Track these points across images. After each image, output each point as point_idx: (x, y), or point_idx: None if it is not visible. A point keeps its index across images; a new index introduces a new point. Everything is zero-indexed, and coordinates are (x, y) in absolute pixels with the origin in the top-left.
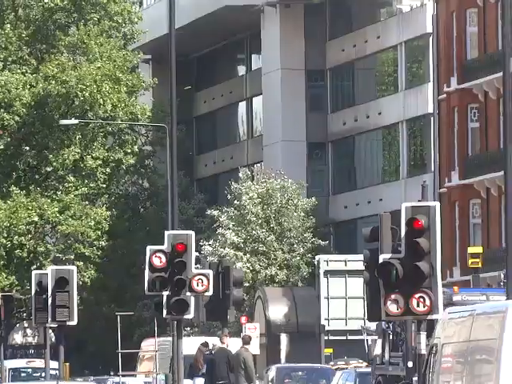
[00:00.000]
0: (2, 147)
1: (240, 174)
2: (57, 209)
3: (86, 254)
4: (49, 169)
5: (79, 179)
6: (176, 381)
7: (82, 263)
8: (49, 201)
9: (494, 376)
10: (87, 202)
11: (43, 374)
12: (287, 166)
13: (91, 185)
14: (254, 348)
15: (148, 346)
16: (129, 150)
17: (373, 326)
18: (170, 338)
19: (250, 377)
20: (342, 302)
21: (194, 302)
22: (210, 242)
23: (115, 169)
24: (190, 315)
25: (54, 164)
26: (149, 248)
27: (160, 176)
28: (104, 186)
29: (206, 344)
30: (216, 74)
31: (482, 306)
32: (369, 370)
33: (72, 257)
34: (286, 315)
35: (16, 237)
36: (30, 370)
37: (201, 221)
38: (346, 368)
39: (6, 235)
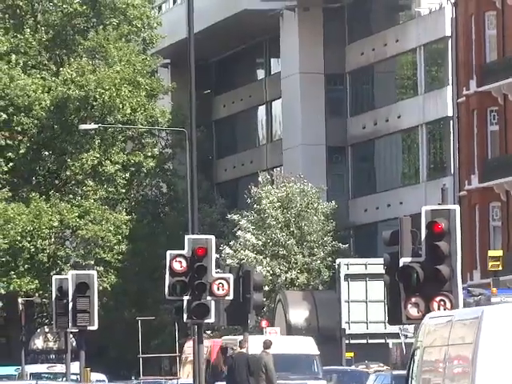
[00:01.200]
0: (22, 151)
1: (260, 178)
2: (77, 214)
3: (107, 258)
4: (68, 173)
5: (98, 184)
6: None
7: (102, 268)
8: (69, 206)
9: (469, 380)
10: (107, 207)
11: (64, 379)
12: (307, 169)
13: (110, 189)
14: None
15: (191, 347)
16: (149, 154)
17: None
18: (230, 336)
19: (271, 381)
20: (363, 305)
21: (215, 306)
22: (231, 243)
23: (135, 173)
24: (210, 319)
25: (73, 169)
26: (169, 253)
27: (180, 178)
28: (123, 190)
29: (226, 348)
30: (235, 78)
31: (461, 311)
32: (404, 372)
33: (92, 262)
34: (307, 319)
35: (40, 241)
36: (50, 375)
37: (223, 225)
38: (382, 371)
39: (29, 239)
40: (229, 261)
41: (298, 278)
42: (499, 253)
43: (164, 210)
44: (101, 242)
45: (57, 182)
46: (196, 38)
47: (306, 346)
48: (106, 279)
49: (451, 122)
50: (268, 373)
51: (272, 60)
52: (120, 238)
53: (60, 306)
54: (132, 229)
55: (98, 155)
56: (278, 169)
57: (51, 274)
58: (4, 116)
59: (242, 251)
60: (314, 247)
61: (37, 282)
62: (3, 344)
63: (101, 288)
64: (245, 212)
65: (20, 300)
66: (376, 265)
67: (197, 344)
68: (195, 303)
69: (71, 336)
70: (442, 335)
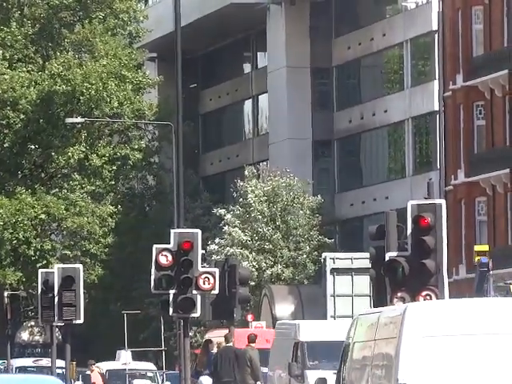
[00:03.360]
0: (6, 145)
1: (246, 172)
2: (63, 206)
3: (93, 251)
4: (54, 167)
5: (84, 177)
6: (184, 379)
7: (89, 261)
8: (55, 199)
9: (393, 371)
10: (92, 200)
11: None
12: (293, 164)
13: (97, 183)
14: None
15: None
16: (135, 146)
17: None
18: (288, 321)
19: (256, 375)
20: (349, 299)
21: (201, 300)
22: (217, 241)
23: (121, 166)
24: (196, 313)
25: (59, 162)
26: (155, 247)
27: (167, 171)
28: (111, 183)
29: (210, 342)
30: (222, 72)
31: (387, 308)
32: None
33: (79, 253)
34: (293, 313)
35: (22, 232)
36: (36, 369)
37: (207, 219)
38: None
39: (11, 231)
40: (215, 256)
41: (283, 273)
42: (485, 247)
43: (151, 203)
44: (86, 234)
45: (43, 175)
46: (183, 32)
47: None
48: (93, 272)
49: (438, 116)
50: (253, 367)
51: (258, 54)
52: (106, 230)
53: (46, 299)
54: (118, 222)
55: (84, 149)
56: (265, 163)
57: (37, 266)
58: None
59: (228, 248)
60: (300, 241)
61: (20, 274)
62: None
63: (88, 281)
64: (231, 206)
65: (5, 293)
66: (362, 259)
67: (182, 338)
68: (181, 297)
69: (57, 330)
70: (369, 331)
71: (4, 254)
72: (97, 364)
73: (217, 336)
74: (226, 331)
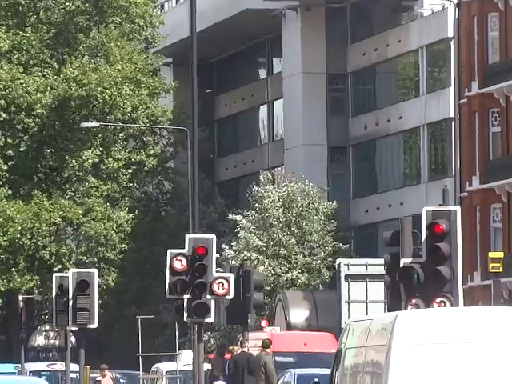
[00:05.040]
0: (22, 149)
1: (261, 178)
2: (80, 211)
3: (110, 257)
4: (68, 171)
5: (100, 181)
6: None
7: (104, 266)
8: (71, 203)
9: (383, 378)
10: (109, 205)
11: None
12: (308, 169)
13: (113, 186)
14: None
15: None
16: (150, 152)
17: None
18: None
19: (270, 381)
20: (363, 306)
21: (215, 305)
22: (233, 245)
23: (137, 171)
24: (210, 319)
25: (74, 166)
26: (169, 251)
27: (182, 175)
28: (126, 186)
29: (224, 346)
30: (237, 77)
31: (378, 316)
32: None
33: (95, 259)
34: (307, 319)
35: (40, 238)
36: (50, 373)
37: (223, 224)
38: None
39: (29, 237)
40: (231, 262)
41: (298, 278)
42: (500, 254)
43: (166, 208)
44: (103, 240)
45: (58, 179)
46: (198, 37)
47: None
48: (108, 277)
49: (453, 123)
50: (267, 372)
51: (274, 60)
52: (122, 235)
53: (60, 303)
54: (134, 227)
55: (100, 152)
56: (280, 168)
57: (53, 271)
58: (4, 115)
59: (245, 252)
60: (315, 247)
61: (36, 279)
62: (3, 341)
63: (104, 286)
64: (246, 211)
65: (20, 297)
66: (376, 265)
67: (196, 343)
68: (195, 302)
69: (71, 334)
70: (361, 338)
71: (22, 259)
72: (156, 365)
73: (255, 339)
74: (262, 334)
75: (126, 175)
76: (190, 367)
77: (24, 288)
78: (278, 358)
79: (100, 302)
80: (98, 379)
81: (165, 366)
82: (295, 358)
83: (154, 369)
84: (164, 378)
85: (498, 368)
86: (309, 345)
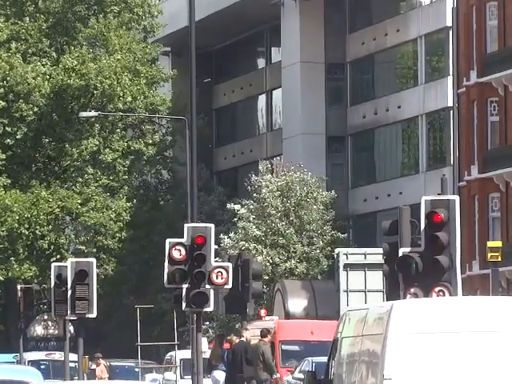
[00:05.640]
0: (19, 137)
1: (260, 167)
2: (79, 201)
3: (110, 246)
4: (67, 160)
5: (98, 171)
6: (196, 373)
7: (104, 256)
8: (70, 193)
9: (379, 367)
10: (108, 194)
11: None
12: (307, 159)
13: (111, 177)
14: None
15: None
16: (149, 141)
17: None
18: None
19: (270, 368)
20: (362, 295)
21: (214, 294)
22: (231, 235)
23: (135, 160)
24: (209, 308)
25: (72, 154)
26: (168, 241)
27: (181, 164)
28: (124, 177)
29: (223, 336)
30: (235, 66)
31: (375, 305)
32: None
33: (94, 250)
34: (306, 308)
35: (38, 227)
36: (48, 363)
37: (222, 213)
38: None
39: (27, 226)
40: (229, 251)
41: (297, 268)
42: (498, 243)
43: (165, 197)
44: (103, 229)
45: (56, 168)
46: (197, 27)
47: None
48: (108, 267)
49: (451, 112)
50: (266, 361)
51: (273, 49)
52: (121, 224)
53: (59, 293)
54: (132, 216)
55: (98, 142)
56: (278, 158)
57: (52, 260)
58: (3, 103)
59: (242, 242)
60: (314, 236)
61: (35, 268)
62: (2, 331)
63: (103, 276)
64: (244, 201)
65: (19, 287)
66: (375, 254)
67: (195, 332)
68: (194, 291)
69: (70, 323)
70: (357, 327)
71: (20, 248)
72: (170, 353)
73: (256, 328)
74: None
75: (123, 165)
76: (205, 355)
77: (23, 277)
78: (285, 347)
79: (100, 290)
80: (92, 367)
81: (179, 354)
82: (302, 346)
83: (168, 357)
84: (178, 366)
85: (495, 358)
86: (316, 333)
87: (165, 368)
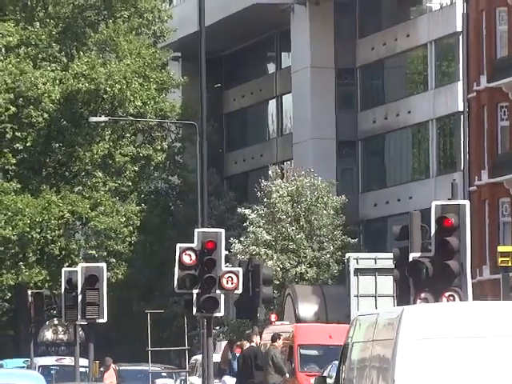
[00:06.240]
0: (28, 144)
1: (270, 172)
2: (88, 206)
3: (120, 250)
4: (77, 165)
5: (107, 175)
6: (206, 378)
7: (114, 260)
8: (80, 197)
9: (390, 372)
10: (117, 198)
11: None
12: (317, 163)
13: (119, 181)
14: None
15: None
16: (158, 147)
17: None
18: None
19: (280, 370)
20: (372, 300)
21: (224, 299)
22: (241, 240)
23: (145, 166)
24: (219, 313)
25: (83, 159)
26: (179, 246)
27: (191, 171)
28: (133, 182)
29: (233, 341)
30: (245, 71)
31: (385, 310)
32: None
33: (105, 254)
34: (316, 313)
35: (49, 232)
36: (59, 368)
37: (231, 217)
38: None
39: (38, 230)
40: (240, 256)
41: (307, 273)
42: (509, 248)
43: (175, 202)
44: (113, 234)
45: (67, 173)
46: (207, 32)
47: None
48: (118, 272)
49: (461, 117)
50: (276, 365)
51: (282, 54)
52: (131, 229)
53: (69, 298)
54: (143, 220)
55: (108, 146)
56: (288, 162)
57: (63, 266)
58: (13, 109)
59: (253, 247)
60: (324, 241)
61: (45, 272)
62: (12, 336)
63: (113, 280)
64: (255, 206)
65: (29, 292)
66: (386, 259)
67: (205, 338)
68: (204, 297)
69: (80, 328)
70: (368, 332)
71: (31, 253)
72: (195, 357)
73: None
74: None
75: (133, 171)
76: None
77: (33, 282)
78: (303, 351)
79: (111, 293)
80: (101, 370)
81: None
82: (321, 350)
83: (192, 361)
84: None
85: (506, 363)
86: (334, 337)
87: (189, 372)
